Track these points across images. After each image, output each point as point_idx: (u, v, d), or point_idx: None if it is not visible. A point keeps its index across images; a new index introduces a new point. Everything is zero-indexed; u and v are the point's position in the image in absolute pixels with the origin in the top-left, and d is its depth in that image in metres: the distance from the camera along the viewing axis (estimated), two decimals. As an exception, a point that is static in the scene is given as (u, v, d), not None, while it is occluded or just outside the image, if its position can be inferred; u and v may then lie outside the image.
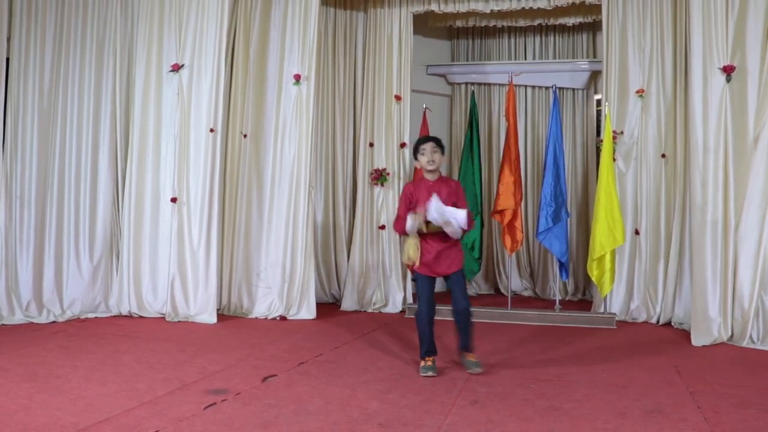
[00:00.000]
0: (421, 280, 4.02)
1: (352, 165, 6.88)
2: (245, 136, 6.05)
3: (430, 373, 3.87)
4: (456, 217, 3.81)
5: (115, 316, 5.67)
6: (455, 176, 7.04)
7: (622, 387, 3.67)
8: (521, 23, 7.35)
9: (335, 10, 6.86)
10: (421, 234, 3.95)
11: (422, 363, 3.96)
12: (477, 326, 5.37)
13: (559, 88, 7.20)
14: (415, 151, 4.10)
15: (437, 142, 4.05)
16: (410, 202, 4.02)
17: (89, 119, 5.77)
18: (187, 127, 5.70)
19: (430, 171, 4.03)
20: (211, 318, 5.51)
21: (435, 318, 4.02)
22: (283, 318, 5.74)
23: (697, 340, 4.89)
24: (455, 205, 3.90)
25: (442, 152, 4.05)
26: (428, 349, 3.98)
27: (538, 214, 6.05)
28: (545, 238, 5.86)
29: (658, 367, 4.16)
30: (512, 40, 7.96)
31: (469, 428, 2.94)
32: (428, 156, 3.99)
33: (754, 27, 4.96)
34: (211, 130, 5.62)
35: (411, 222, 3.89)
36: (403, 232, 3.98)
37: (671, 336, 5.25)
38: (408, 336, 5.04)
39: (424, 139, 4.14)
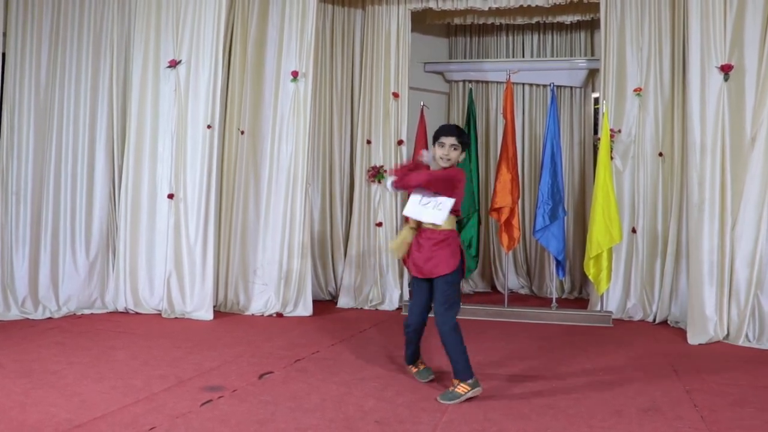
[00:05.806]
0: (414, 285, 3.65)
1: (350, 162, 6.87)
2: (242, 132, 6.04)
3: (427, 378, 3.72)
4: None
5: (111, 313, 5.65)
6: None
7: (618, 385, 3.68)
8: (519, 21, 7.34)
9: (333, 6, 6.84)
10: (421, 229, 3.54)
11: (413, 369, 3.79)
12: (473, 324, 5.45)
13: (557, 86, 7.17)
14: (435, 138, 3.54)
15: (459, 136, 3.49)
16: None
17: (86, 115, 5.74)
18: (184, 124, 5.68)
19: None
20: (207, 315, 5.50)
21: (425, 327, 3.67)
22: (279, 315, 5.73)
23: (693, 339, 4.90)
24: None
25: (462, 149, 3.52)
26: (412, 357, 3.78)
27: (535, 212, 6.05)
28: (542, 236, 5.87)
29: (654, 366, 4.17)
30: (510, 37, 7.95)
31: (465, 426, 2.94)
32: (446, 151, 3.47)
33: (753, 26, 4.96)
34: (209, 127, 5.61)
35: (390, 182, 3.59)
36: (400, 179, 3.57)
37: (667, 334, 5.26)
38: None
39: (448, 130, 3.55)
